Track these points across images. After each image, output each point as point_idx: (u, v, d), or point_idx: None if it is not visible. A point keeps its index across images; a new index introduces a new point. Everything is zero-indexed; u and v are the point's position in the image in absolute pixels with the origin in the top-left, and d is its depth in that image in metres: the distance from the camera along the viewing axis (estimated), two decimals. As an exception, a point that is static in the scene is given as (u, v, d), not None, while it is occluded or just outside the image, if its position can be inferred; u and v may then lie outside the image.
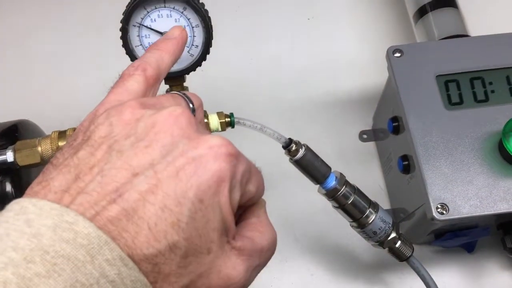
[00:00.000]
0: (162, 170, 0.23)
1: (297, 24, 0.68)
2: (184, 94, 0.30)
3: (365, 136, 0.60)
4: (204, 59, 0.38)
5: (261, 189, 0.29)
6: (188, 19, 0.37)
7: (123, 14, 0.36)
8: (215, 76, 0.59)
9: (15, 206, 0.22)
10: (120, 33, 0.37)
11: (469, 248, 0.51)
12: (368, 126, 0.60)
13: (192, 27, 0.37)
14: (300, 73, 0.64)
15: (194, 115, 0.30)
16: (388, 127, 0.50)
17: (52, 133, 0.40)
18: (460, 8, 0.56)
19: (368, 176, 0.58)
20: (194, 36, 0.37)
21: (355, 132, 0.60)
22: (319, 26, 0.67)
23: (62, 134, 0.39)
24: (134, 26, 0.36)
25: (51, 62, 0.65)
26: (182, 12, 0.36)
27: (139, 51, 0.37)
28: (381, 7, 0.68)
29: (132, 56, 0.37)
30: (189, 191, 0.23)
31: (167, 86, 0.41)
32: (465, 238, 0.48)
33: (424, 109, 0.46)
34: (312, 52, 0.65)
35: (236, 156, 0.25)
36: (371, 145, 0.59)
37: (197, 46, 0.38)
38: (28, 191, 0.24)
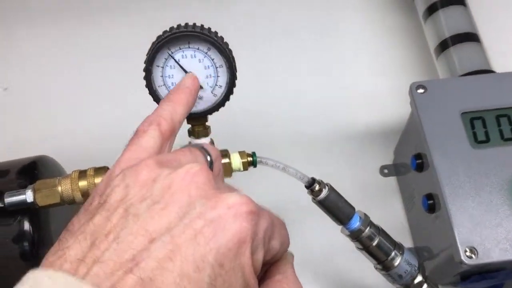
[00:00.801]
0: (180, 234, 0.22)
1: (314, 56, 0.67)
2: (201, 146, 0.29)
3: (386, 171, 0.58)
4: (228, 99, 0.38)
5: (286, 244, 0.28)
6: (212, 59, 0.36)
7: (146, 55, 0.36)
8: (233, 109, 0.59)
9: (30, 280, 0.21)
10: (142, 73, 0.37)
11: (497, 290, 0.50)
12: (389, 161, 0.59)
13: (216, 67, 0.37)
14: (318, 105, 0.63)
15: (212, 168, 0.29)
16: (411, 164, 0.49)
17: (72, 172, 0.39)
18: (482, 42, 0.55)
19: (389, 212, 0.57)
20: (217, 76, 0.37)
21: (375, 166, 0.59)
22: (337, 58, 0.67)
23: (82, 174, 0.39)
24: (158, 66, 0.36)
25: (71, 95, 0.65)
26: (206, 53, 0.36)
27: (162, 91, 0.37)
28: (400, 39, 0.68)
29: (155, 96, 0.37)
30: (208, 255, 0.22)
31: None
32: (493, 280, 0.47)
33: (450, 147, 0.45)
34: (330, 84, 0.65)
35: (257, 213, 0.24)
36: (392, 180, 0.58)
37: (220, 86, 0.37)
38: (44, 261, 0.23)
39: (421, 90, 0.48)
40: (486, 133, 0.46)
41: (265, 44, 0.68)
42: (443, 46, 0.56)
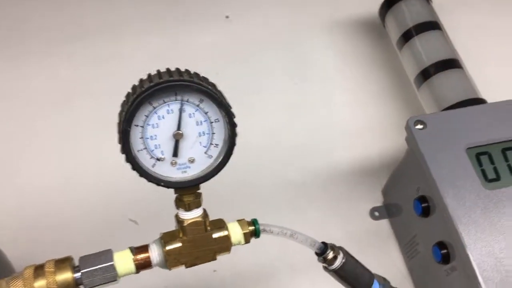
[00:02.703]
0: None
1: (283, 90, 0.61)
2: None
3: (377, 214, 0.53)
4: (227, 160, 0.30)
5: None
6: (206, 113, 0.29)
7: (123, 112, 0.28)
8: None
9: None
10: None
11: None
12: (378, 202, 0.54)
13: (211, 123, 0.29)
14: (294, 147, 0.57)
15: None
16: (415, 208, 0.44)
17: (25, 270, 0.30)
18: (466, 70, 0.52)
19: (384, 259, 0.51)
20: (213, 133, 0.30)
21: (364, 209, 0.53)
22: (308, 91, 0.61)
23: (39, 271, 0.29)
24: (136, 126, 0.28)
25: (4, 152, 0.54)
26: (198, 105, 0.29)
27: (142, 156, 0.29)
28: (372, 68, 0.64)
29: (135, 164, 0.29)
30: None
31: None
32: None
33: (461, 189, 0.41)
34: (305, 123, 0.59)
35: None
36: (384, 223, 0.53)
37: (217, 145, 0.30)
38: None
39: (419, 126, 0.43)
40: (495, 170, 0.42)
41: (225, 75, 0.61)
42: (425, 75, 0.53)
